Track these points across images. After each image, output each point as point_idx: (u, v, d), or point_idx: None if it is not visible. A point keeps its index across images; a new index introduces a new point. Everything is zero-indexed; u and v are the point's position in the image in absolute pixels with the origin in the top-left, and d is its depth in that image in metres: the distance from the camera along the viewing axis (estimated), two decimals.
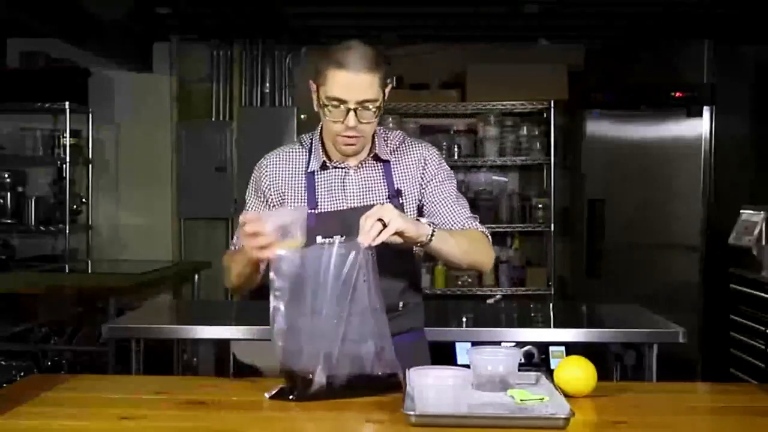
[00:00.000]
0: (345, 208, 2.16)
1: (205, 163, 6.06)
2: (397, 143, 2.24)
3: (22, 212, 5.76)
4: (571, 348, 3.16)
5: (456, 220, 2.20)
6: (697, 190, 5.16)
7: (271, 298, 1.92)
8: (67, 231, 5.64)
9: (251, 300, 5.89)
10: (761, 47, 5.20)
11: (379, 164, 2.21)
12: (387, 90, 2.14)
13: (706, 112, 5.15)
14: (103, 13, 5.17)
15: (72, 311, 5.07)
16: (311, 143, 2.23)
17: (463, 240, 2.13)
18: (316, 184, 2.18)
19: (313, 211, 2.15)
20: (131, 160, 6.14)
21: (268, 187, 2.21)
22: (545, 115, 5.77)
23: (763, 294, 4.26)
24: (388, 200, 2.17)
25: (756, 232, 4.32)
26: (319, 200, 2.17)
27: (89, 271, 5.43)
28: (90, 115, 5.91)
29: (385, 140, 2.23)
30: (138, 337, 3.27)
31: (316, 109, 2.15)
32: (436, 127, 6.02)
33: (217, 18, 5.53)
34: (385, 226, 1.90)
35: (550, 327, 3.46)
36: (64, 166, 5.69)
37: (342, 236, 1.99)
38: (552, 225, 5.72)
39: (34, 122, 5.91)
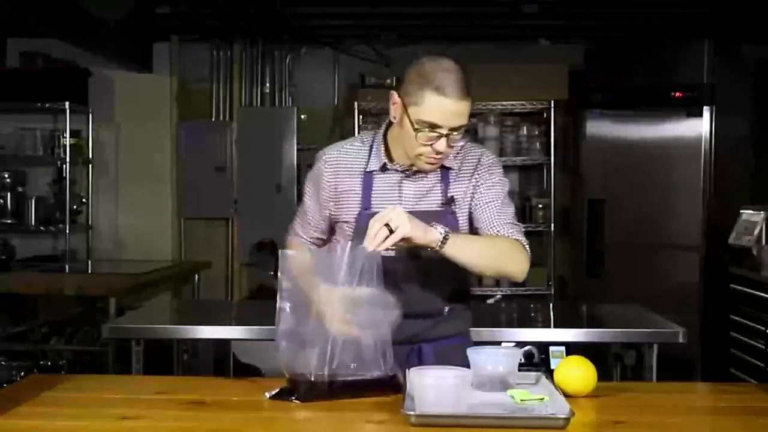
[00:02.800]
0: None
1: (205, 163, 6.06)
2: (458, 149, 2.19)
3: (22, 212, 5.76)
4: (571, 348, 3.16)
5: (493, 225, 2.15)
6: (697, 190, 5.15)
7: (278, 298, 1.92)
8: (67, 231, 5.63)
9: (250, 299, 5.91)
10: (761, 47, 5.19)
11: (437, 170, 2.18)
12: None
13: (706, 112, 5.15)
14: (103, 13, 5.17)
15: (72, 311, 5.07)
16: (372, 142, 2.22)
17: (485, 247, 2.09)
18: (373, 184, 2.17)
19: (367, 210, 2.14)
20: (131, 160, 6.14)
21: (327, 182, 2.19)
22: (545, 115, 5.77)
23: (763, 294, 4.25)
24: (441, 207, 2.16)
25: (756, 232, 4.31)
26: (374, 201, 2.15)
27: (89, 271, 5.43)
28: (90, 115, 5.90)
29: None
30: (138, 337, 3.27)
31: (392, 118, 2.12)
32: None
33: (217, 18, 5.52)
34: (392, 231, 1.89)
35: (550, 327, 3.46)
36: (64, 166, 5.69)
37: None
38: (552, 225, 5.72)
39: (34, 122, 5.90)
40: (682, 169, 5.21)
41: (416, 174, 2.17)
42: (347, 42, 6.10)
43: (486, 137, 5.85)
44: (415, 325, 2.14)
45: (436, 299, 2.18)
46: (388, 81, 5.77)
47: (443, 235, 1.96)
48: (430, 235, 1.95)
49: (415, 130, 2.03)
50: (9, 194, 5.74)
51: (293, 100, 6.17)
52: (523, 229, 2.21)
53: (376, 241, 1.89)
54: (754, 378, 4.18)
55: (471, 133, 6.02)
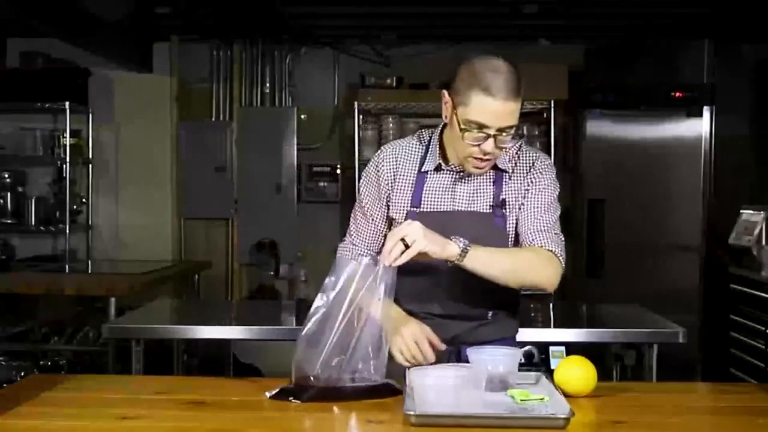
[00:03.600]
0: (447, 210, 2.14)
1: (205, 163, 6.06)
2: (514, 152, 2.18)
3: (22, 212, 5.76)
4: (571, 348, 3.16)
5: (529, 232, 2.12)
6: (697, 190, 5.15)
7: (317, 298, 1.95)
8: (67, 231, 5.63)
9: (250, 299, 5.90)
10: (761, 47, 5.19)
11: (491, 172, 2.16)
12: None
13: (706, 112, 5.15)
14: (103, 13, 5.17)
15: (72, 311, 5.07)
16: (429, 141, 2.21)
17: (508, 260, 2.06)
18: (426, 184, 2.17)
19: (416, 209, 2.14)
20: (131, 160, 6.13)
21: (386, 179, 2.19)
22: (545, 115, 5.76)
23: (763, 294, 4.25)
24: (491, 209, 2.14)
25: (756, 232, 4.31)
26: (424, 200, 2.15)
27: (89, 271, 5.42)
28: (90, 115, 5.90)
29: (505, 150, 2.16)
30: (138, 337, 3.27)
31: (445, 119, 2.11)
32: (436, 127, 6.01)
33: (217, 18, 5.52)
34: (407, 246, 1.89)
35: (550, 327, 3.46)
36: (64, 166, 5.69)
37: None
38: None
39: (34, 122, 5.91)
40: (682, 169, 5.21)
41: (470, 175, 2.15)
42: (347, 42, 6.10)
43: None
44: (457, 327, 2.16)
45: (480, 303, 2.17)
46: (388, 81, 5.78)
47: (462, 248, 1.95)
48: (448, 250, 1.94)
49: (462, 129, 2.02)
50: (9, 194, 5.74)
51: (293, 100, 6.17)
52: (562, 238, 2.15)
53: (392, 257, 1.90)
54: (754, 378, 4.18)
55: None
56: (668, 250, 5.23)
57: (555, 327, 3.45)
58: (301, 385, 1.89)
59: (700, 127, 5.16)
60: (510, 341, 2.26)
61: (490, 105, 1.98)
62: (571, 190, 5.87)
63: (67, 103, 5.55)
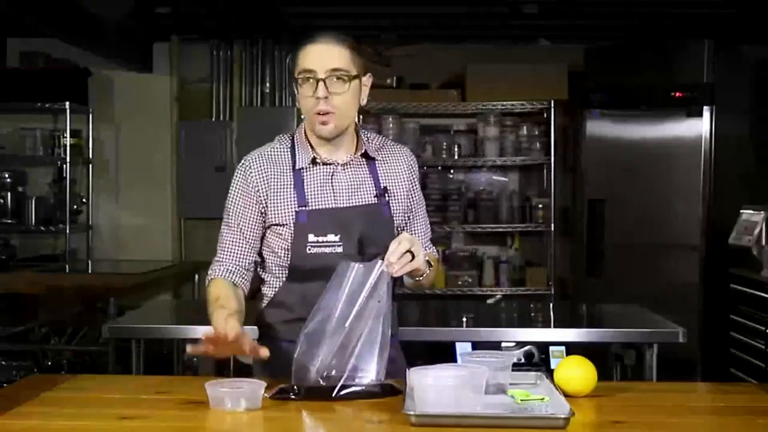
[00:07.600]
0: (334, 205, 2.14)
1: (205, 163, 6.06)
2: (380, 143, 2.25)
3: (22, 212, 5.76)
4: (571, 348, 3.16)
5: (423, 238, 2.27)
6: (697, 190, 5.14)
7: (320, 299, 1.96)
8: (67, 231, 5.64)
9: (250, 300, 5.89)
10: (761, 47, 5.19)
11: (365, 162, 2.20)
12: (367, 79, 2.16)
13: (705, 112, 5.14)
14: (103, 13, 5.17)
15: (72, 311, 5.07)
16: (293, 141, 2.21)
17: (432, 272, 2.18)
18: (305, 181, 2.15)
19: (304, 208, 2.12)
20: (131, 160, 6.14)
21: (256, 186, 2.15)
22: (545, 115, 5.77)
23: (763, 294, 4.26)
24: (375, 198, 2.17)
25: (756, 232, 4.31)
26: (308, 197, 2.14)
27: (89, 271, 5.43)
28: (90, 115, 5.90)
29: (367, 140, 2.23)
30: (138, 337, 3.28)
31: (298, 104, 2.18)
32: (436, 127, 6.02)
33: (217, 18, 5.53)
34: (413, 258, 1.95)
35: (550, 327, 3.47)
36: (64, 166, 5.69)
37: (337, 236, 2.07)
38: (552, 225, 5.72)
39: (34, 122, 5.91)
40: (682, 169, 5.20)
41: (345, 166, 2.17)
42: None
43: (486, 137, 5.86)
44: None
45: None
46: (388, 81, 5.78)
47: (428, 267, 2.09)
48: (423, 266, 2.03)
49: (298, 86, 2.09)
50: (9, 194, 5.74)
51: (293, 100, 6.16)
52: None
53: (401, 264, 1.92)
54: (754, 378, 4.18)
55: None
56: (668, 250, 5.23)
57: (555, 327, 3.46)
58: (301, 384, 1.89)
59: (699, 127, 5.16)
60: (395, 339, 2.21)
61: (312, 48, 2.07)
62: (571, 190, 5.88)
63: (67, 103, 5.55)
